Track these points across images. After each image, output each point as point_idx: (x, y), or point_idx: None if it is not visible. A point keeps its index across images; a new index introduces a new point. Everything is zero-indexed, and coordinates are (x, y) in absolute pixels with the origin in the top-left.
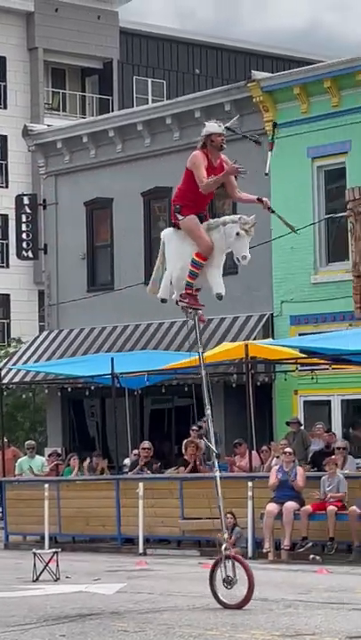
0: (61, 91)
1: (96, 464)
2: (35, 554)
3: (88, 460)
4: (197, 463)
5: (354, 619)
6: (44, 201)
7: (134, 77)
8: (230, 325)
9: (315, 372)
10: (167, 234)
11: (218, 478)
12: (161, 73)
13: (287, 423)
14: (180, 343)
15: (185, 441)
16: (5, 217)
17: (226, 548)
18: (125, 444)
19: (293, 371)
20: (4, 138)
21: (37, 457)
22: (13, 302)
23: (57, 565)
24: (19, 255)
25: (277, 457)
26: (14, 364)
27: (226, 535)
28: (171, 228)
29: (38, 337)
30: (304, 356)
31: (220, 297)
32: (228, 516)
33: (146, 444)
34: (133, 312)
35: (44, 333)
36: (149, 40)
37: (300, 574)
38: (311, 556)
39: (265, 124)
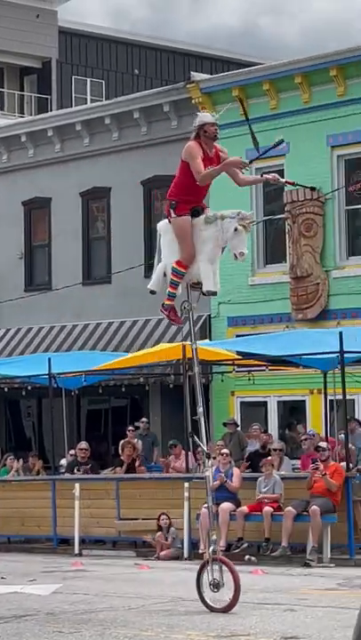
0: None
1: (32, 464)
2: None
3: (22, 461)
4: (135, 464)
5: (289, 619)
6: None
7: (73, 77)
8: (168, 326)
9: (252, 374)
10: (162, 226)
11: (209, 477)
12: (100, 73)
13: (224, 424)
14: (118, 343)
15: (122, 441)
16: None
17: (214, 551)
18: (62, 445)
19: (230, 372)
20: None
21: None
22: None
23: None
24: None
25: (214, 457)
26: None
27: (215, 537)
28: (166, 220)
29: None
30: (241, 357)
31: (210, 294)
32: (163, 517)
33: (82, 444)
34: (71, 312)
35: None
36: (89, 40)
37: None
38: (247, 557)
39: None
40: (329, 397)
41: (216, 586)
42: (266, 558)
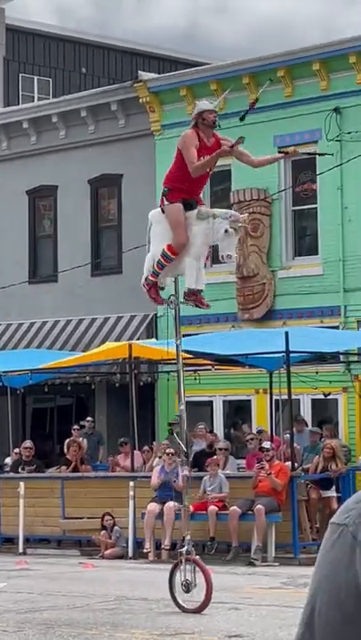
0: None
1: None
2: None
3: None
4: (79, 463)
5: (233, 618)
6: None
7: (20, 75)
8: (114, 325)
9: (197, 373)
10: (154, 215)
11: (187, 477)
12: (47, 71)
13: (169, 424)
14: (64, 342)
15: (67, 440)
16: None
17: (188, 551)
18: (7, 444)
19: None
20: None
21: None
22: None
23: None
24: None
25: (159, 457)
26: None
27: (189, 537)
28: (158, 209)
29: None
30: (187, 356)
31: (190, 292)
32: (107, 517)
33: (27, 443)
34: (17, 310)
35: None
36: (36, 37)
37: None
38: None
39: (151, 124)
40: (274, 397)
41: (188, 586)
42: (210, 557)
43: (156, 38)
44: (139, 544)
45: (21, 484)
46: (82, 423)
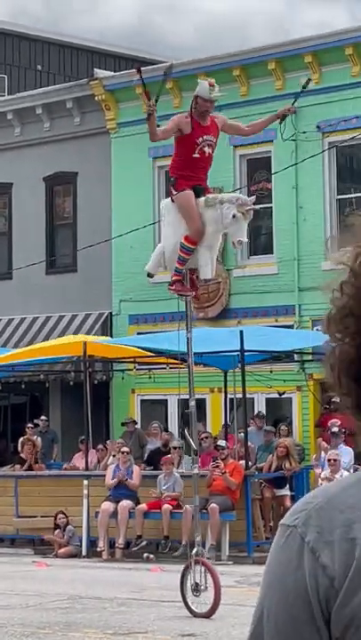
0: None
1: None
2: None
3: None
4: (33, 461)
5: (186, 617)
6: None
7: None
8: (69, 323)
9: (152, 372)
10: (166, 205)
11: (196, 475)
12: (2, 68)
13: (122, 424)
14: (19, 340)
15: (21, 439)
16: None
17: (198, 553)
18: None
19: (131, 370)
20: None
21: None
22: None
23: None
24: None
25: (113, 456)
26: None
27: (199, 538)
28: (169, 199)
29: None
30: (142, 354)
31: (206, 282)
32: (60, 515)
33: None
34: None
35: None
36: None
37: (133, 573)
38: (145, 555)
39: (107, 122)
40: (229, 396)
41: (197, 589)
42: (164, 556)
43: (107, 36)
44: (92, 543)
45: None
46: (36, 421)
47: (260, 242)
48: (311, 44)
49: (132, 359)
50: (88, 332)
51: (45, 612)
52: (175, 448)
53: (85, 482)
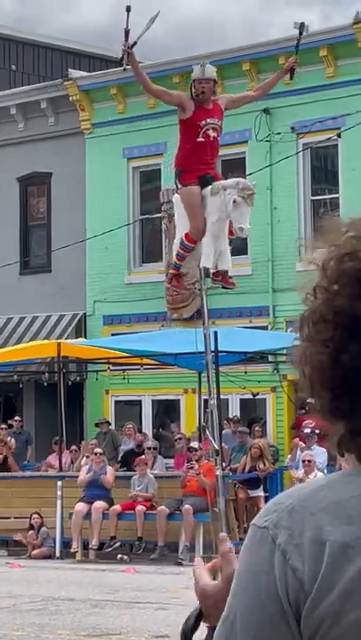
0: None
1: None
2: None
3: None
4: (7, 462)
5: (160, 618)
6: None
7: None
8: (43, 324)
9: (126, 372)
10: (175, 199)
11: (220, 476)
12: None
13: (96, 425)
14: None
15: None
16: None
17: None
18: None
19: (105, 370)
20: None
21: None
22: None
23: None
24: None
25: (87, 456)
26: None
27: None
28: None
29: None
30: (116, 355)
31: (206, 272)
32: (35, 516)
33: None
34: None
35: None
36: None
37: (107, 574)
38: (119, 556)
39: (81, 123)
40: (203, 397)
41: None
42: (138, 557)
43: (81, 36)
44: (66, 544)
45: None
46: (10, 422)
47: (235, 243)
48: (286, 45)
49: (105, 360)
50: (62, 333)
51: (19, 613)
52: (150, 448)
53: (59, 483)
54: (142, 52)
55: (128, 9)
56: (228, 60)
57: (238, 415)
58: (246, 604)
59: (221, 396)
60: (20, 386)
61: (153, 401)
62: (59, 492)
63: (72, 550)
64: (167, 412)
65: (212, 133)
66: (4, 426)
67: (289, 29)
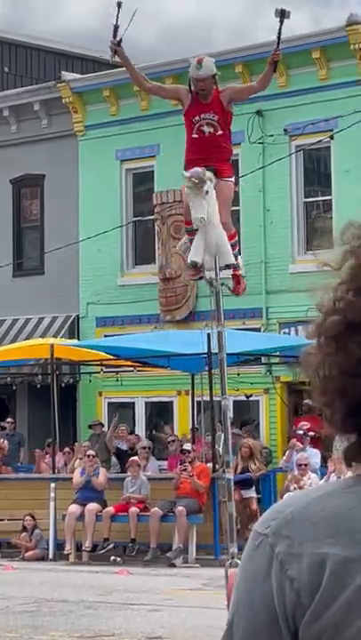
0: None
1: None
2: None
3: None
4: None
5: (153, 619)
6: None
7: None
8: (36, 326)
9: (119, 374)
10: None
11: (231, 481)
12: None
13: (89, 426)
14: None
15: None
16: None
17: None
18: None
19: (98, 372)
20: None
21: None
22: None
23: None
24: None
25: (80, 458)
26: None
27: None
28: None
29: None
30: (109, 357)
31: (192, 264)
32: (28, 517)
33: None
34: None
35: None
36: None
37: (100, 576)
38: (112, 558)
39: (74, 125)
40: (196, 399)
41: None
42: (131, 559)
43: (74, 38)
44: (59, 546)
45: None
46: (2, 424)
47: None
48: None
49: (98, 362)
50: (55, 335)
51: (12, 615)
52: (143, 448)
53: (52, 485)
54: (135, 55)
55: (119, 5)
56: (220, 62)
57: (231, 417)
58: (242, 611)
59: (215, 398)
60: (14, 387)
61: (146, 403)
62: (52, 494)
63: (65, 552)
64: (160, 413)
65: (207, 129)
66: None
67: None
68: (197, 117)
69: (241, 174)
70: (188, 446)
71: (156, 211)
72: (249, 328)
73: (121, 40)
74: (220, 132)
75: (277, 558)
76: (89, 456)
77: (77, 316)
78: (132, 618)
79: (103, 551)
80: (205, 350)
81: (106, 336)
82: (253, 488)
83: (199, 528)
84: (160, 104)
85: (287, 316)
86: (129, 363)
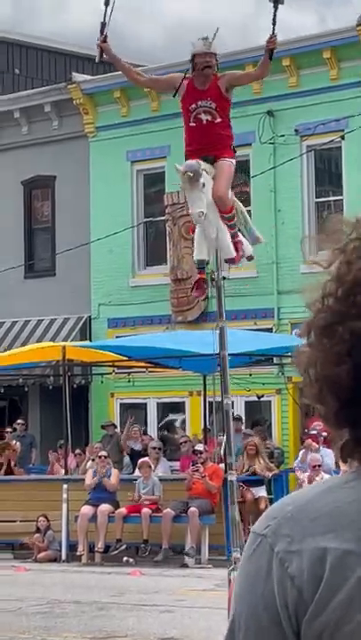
0: None
1: None
2: None
3: None
4: (12, 465)
5: (166, 620)
6: None
7: None
8: (48, 327)
9: (131, 375)
10: None
11: (235, 482)
12: None
13: (102, 427)
14: None
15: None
16: None
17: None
18: None
19: (110, 373)
20: None
21: None
22: None
23: None
24: None
25: (92, 460)
26: None
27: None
28: None
29: None
30: (121, 358)
31: (199, 264)
32: (42, 518)
33: None
34: None
35: None
36: None
37: (113, 576)
38: (125, 559)
39: (85, 126)
40: (208, 399)
41: None
42: (144, 560)
43: (80, 39)
44: (72, 547)
45: None
46: (14, 425)
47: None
48: (289, 47)
49: (110, 363)
50: (67, 336)
51: (25, 616)
52: (154, 448)
53: (65, 486)
54: (141, 56)
55: (106, 2)
56: (229, 63)
57: (243, 417)
58: (244, 613)
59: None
60: (26, 389)
61: (158, 403)
62: (64, 495)
63: (78, 553)
64: (172, 414)
65: (204, 117)
66: (9, 429)
67: (286, 32)
68: (194, 105)
69: (252, 175)
70: (200, 447)
71: (167, 211)
72: (261, 328)
73: (106, 36)
74: (218, 120)
75: (277, 557)
76: (101, 457)
77: (89, 317)
78: (145, 619)
79: (116, 552)
80: (217, 351)
81: (117, 337)
82: (264, 487)
83: (212, 529)
84: (171, 105)
85: (299, 316)
86: (141, 364)
